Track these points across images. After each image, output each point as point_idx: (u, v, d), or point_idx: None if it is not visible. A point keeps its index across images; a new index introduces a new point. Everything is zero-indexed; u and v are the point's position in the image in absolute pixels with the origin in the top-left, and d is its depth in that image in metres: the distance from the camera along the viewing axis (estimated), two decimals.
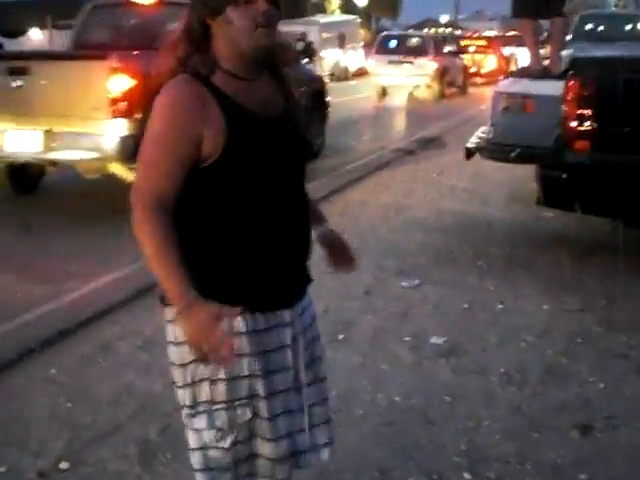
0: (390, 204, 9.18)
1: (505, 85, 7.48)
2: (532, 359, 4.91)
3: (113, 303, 5.82)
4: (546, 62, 7.95)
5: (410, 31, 30.97)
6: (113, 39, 10.01)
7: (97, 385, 4.55)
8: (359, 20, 43.95)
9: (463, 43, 33.56)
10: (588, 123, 6.30)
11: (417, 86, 26.20)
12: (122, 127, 7.88)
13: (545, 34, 11.66)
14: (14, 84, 8.22)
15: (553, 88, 6.61)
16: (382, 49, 27.56)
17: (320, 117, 12.44)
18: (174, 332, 2.39)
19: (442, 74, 26.23)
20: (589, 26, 13.27)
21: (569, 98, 6.33)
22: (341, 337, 5.18)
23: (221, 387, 2.36)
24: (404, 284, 6.30)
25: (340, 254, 2.74)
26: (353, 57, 37.73)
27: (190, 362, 2.36)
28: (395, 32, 30.17)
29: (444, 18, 63.90)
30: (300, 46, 13.36)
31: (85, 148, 8.02)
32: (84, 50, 9.43)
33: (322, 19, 40.15)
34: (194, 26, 2.33)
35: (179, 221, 2.31)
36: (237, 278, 2.35)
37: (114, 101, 7.88)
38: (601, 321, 5.54)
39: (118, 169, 8.03)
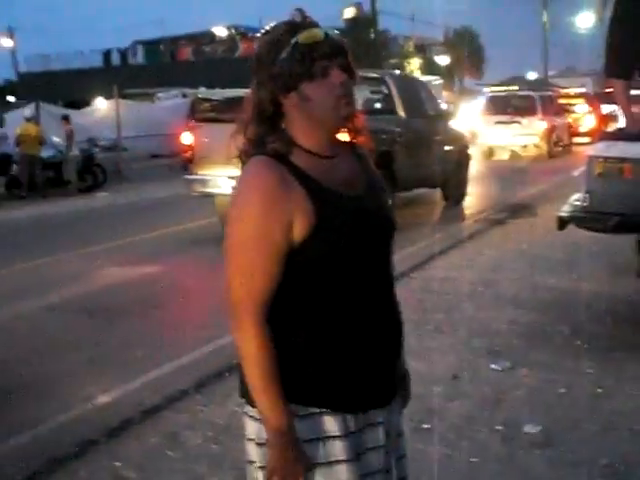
0: (477, 279, 9.14)
1: (600, 148, 7.44)
2: (638, 450, 4.80)
3: (182, 390, 5.89)
4: None
5: (517, 90, 32.04)
6: None
7: None
8: (440, 81, 44.26)
9: (561, 101, 34.08)
10: None
11: (525, 146, 27.50)
12: None
13: None
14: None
15: None
16: (489, 109, 28.48)
17: (465, 168, 16.33)
18: (258, 430, 2.37)
19: (550, 133, 27.64)
20: None
21: None
22: (426, 426, 5.15)
23: None
24: (494, 367, 6.24)
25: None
26: None
27: None
28: (502, 92, 31.15)
29: (532, 75, 63.92)
30: (450, 109, 17.62)
31: None
32: None
33: None
34: (265, 104, 2.33)
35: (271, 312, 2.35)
36: (326, 377, 2.33)
37: None
38: None
39: None
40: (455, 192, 15.73)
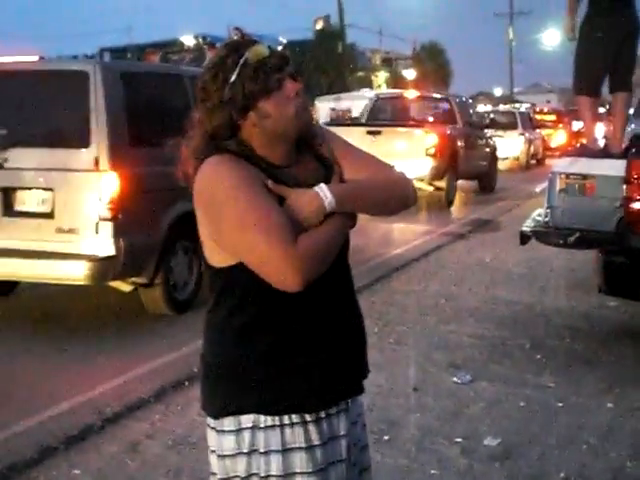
0: (440, 292, 9.18)
1: (563, 165, 7.50)
2: (595, 463, 4.84)
3: (142, 398, 5.85)
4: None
5: (500, 107, 33.54)
6: (394, 117, 19.43)
7: None
8: None
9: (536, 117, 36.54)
10: None
11: (505, 158, 28.79)
12: (431, 162, 16.82)
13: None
14: (371, 139, 16.32)
15: (614, 168, 6.63)
16: None
17: (495, 165, 21.89)
18: (218, 442, 2.39)
19: (528, 147, 30.17)
20: None
21: (632, 178, 6.35)
22: (386, 438, 5.15)
23: None
24: (455, 380, 6.26)
25: None
26: None
27: (235, 476, 2.36)
28: (485, 108, 32.42)
29: (498, 91, 64.47)
30: (486, 120, 23.02)
31: (413, 172, 14.82)
32: (409, 122, 18.54)
33: (368, 94, 40.69)
34: (221, 129, 2.30)
35: (222, 318, 2.37)
36: (289, 380, 2.33)
37: (427, 149, 16.81)
38: None
39: (425, 185, 16.84)
40: (488, 184, 21.17)
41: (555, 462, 4.85)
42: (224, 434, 2.36)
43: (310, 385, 2.35)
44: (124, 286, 7.85)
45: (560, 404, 5.78)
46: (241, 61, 2.25)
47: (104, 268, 7.29)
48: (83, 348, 7.09)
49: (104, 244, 7.25)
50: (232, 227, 2.22)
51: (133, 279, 7.73)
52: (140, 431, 5.33)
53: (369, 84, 52.86)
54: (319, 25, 57.11)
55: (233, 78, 2.25)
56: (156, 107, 8.28)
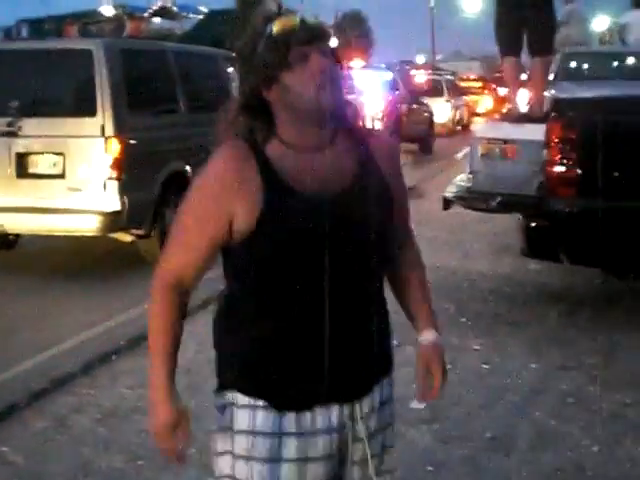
0: None
1: (484, 129, 7.57)
2: (520, 422, 4.93)
3: (69, 372, 5.79)
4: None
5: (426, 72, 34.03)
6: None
7: (53, 464, 4.51)
8: None
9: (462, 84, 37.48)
10: (572, 168, 6.38)
11: None
12: (378, 125, 17.09)
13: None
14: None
15: (535, 132, 6.69)
16: None
17: (433, 129, 23.91)
18: (216, 418, 2.34)
19: (454, 113, 31.01)
20: (573, 64, 13.41)
21: (551, 142, 6.41)
22: None
23: None
24: None
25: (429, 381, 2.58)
26: None
27: (217, 453, 2.33)
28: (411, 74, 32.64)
29: (420, 59, 64.59)
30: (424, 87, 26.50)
31: None
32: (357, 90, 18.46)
33: None
34: (247, 98, 2.25)
35: (230, 299, 2.35)
36: (265, 369, 2.27)
37: (374, 114, 18.10)
38: (593, 379, 5.56)
39: None
40: (427, 146, 22.91)
41: (481, 423, 4.92)
42: (217, 409, 2.34)
43: (286, 383, 2.26)
44: (126, 237, 8.79)
45: (485, 366, 5.86)
46: (267, 32, 2.20)
47: (111, 221, 8.34)
48: (4, 324, 7.00)
49: (111, 200, 8.26)
50: (177, 214, 2.35)
51: (133, 231, 8.66)
52: (68, 406, 5.28)
53: None
54: None
55: (260, 49, 2.21)
56: (148, 79, 9.35)
